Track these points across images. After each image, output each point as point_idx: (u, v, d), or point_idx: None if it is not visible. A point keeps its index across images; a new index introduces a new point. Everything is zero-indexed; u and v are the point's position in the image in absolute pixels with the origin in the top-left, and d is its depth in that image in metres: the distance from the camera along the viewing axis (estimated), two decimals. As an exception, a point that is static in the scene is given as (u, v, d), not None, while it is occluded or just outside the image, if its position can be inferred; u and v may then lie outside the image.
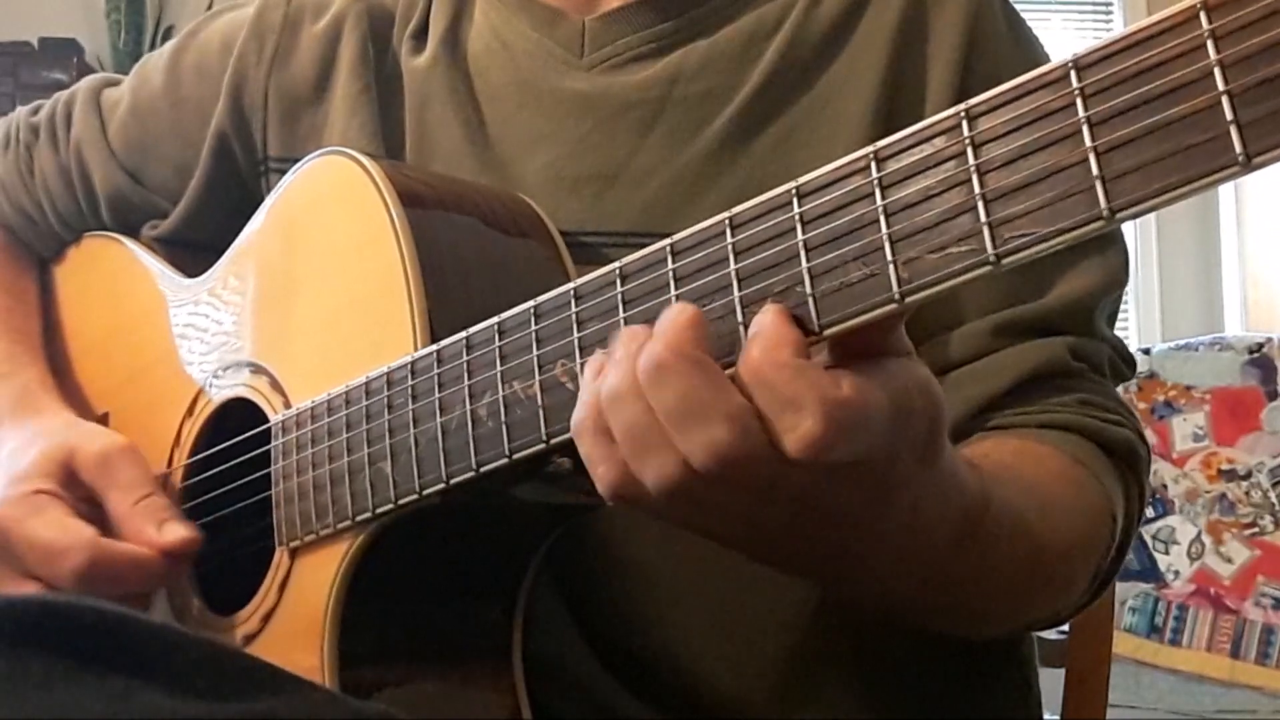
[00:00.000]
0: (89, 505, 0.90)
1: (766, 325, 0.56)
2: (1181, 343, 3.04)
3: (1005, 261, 0.50)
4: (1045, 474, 0.78)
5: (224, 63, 1.05)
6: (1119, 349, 0.90)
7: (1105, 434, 0.83)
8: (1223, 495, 2.95)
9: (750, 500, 0.58)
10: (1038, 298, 0.85)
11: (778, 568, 0.69)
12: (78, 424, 0.99)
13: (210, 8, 1.13)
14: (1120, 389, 0.92)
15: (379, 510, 0.76)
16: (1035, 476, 0.76)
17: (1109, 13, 4.34)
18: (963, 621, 0.78)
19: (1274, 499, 2.93)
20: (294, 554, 0.84)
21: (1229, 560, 2.93)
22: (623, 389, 0.57)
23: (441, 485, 0.72)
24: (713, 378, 0.56)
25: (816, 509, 0.59)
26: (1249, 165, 0.43)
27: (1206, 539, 2.94)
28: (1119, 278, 0.89)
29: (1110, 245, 0.89)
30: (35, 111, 1.16)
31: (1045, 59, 0.94)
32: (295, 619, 0.83)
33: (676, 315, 0.58)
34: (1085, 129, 0.47)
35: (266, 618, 0.85)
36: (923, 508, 0.62)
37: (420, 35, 1.02)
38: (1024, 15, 0.95)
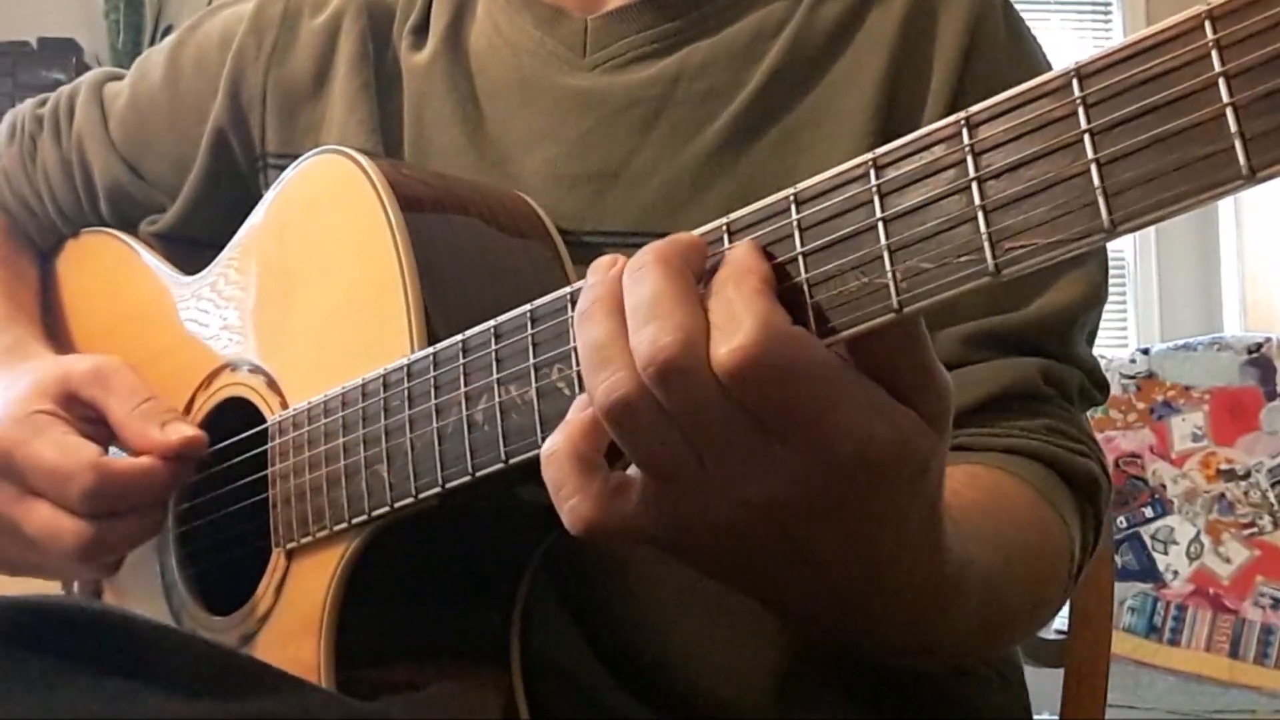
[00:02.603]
0: (90, 425, 0.90)
1: (739, 254, 0.55)
2: (1180, 343, 3.05)
3: (1005, 273, 0.49)
4: (1015, 519, 0.77)
5: (222, 58, 1.04)
6: (1093, 373, 0.90)
7: (1068, 464, 0.83)
8: (1221, 495, 2.95)
9: (678, 438, 0.55)
10: (1018, 308, 0.85)
11: (710, 567, 0.63)
12: (66, 356, 0.99)
13: (209, 4, 1.13)
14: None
15: (375, 513, 0.76)
16: (1005, 522, 0.75)
17: (1108, 14, 4.35)
18: (906, 656, 0.77)
19: (1273, 499, 2.93)
20: (291, 555, 0.84)
21: (1228, 560, 2.94)
22: (594, 309, 0.57)
23: (437, 489, 0.72)
24: (684, 288, 0.54)
25: (744, 493, 0.56)
26: (1253, 179, 0.42)
27: (1205, 539, 2.94)
28: (1099, 293, 0.89)
29: (1092, 258, 0.88)
30: (41, 104, 1.17)
31: (1045, 67, 0.93)
32: (292, 620, 0.83)
33: (678, 234, 0.57)
34: (1087, 139, 0.46)
35: (264, 619, 0.85)
36: (885, 553, 0.59)
37: (421, 31, 1.01)
38: (1023, 15, 0.95)
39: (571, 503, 0.58)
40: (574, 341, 0.63)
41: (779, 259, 0.56)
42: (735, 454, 0.55)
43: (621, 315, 0.55)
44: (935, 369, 0.56)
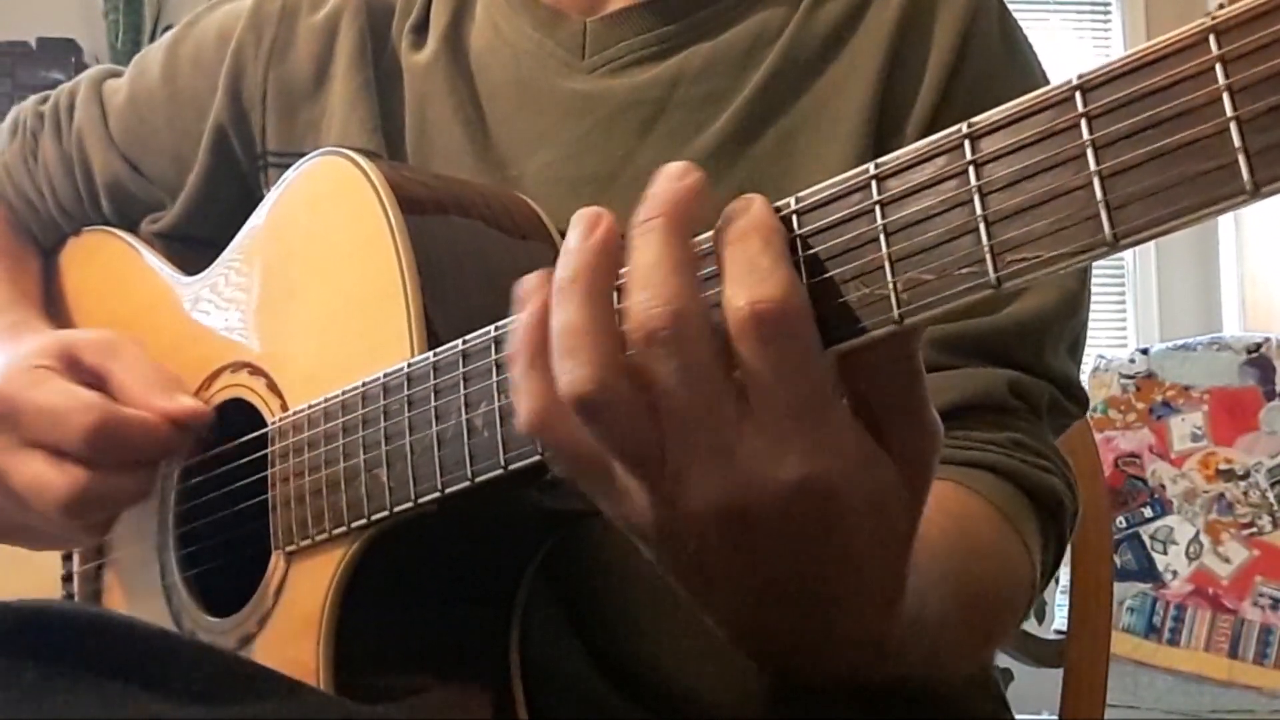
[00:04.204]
0: (92, 388, 0.89)
1: (761, 211, 0.55)
2: (1180, 343, 3.05)
3: (1006, 285, 0.49)
4: (982, 552, 0.76)
5: (221, 55, 1.04)
6: (1068, 386, 0.88)
7: (1031, 480, 0.82)
8: (1221, 495, 2.95)
9: (643, 427, 0.55)
10: (989, 313, 0.84)
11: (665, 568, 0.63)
12: (71, 329, 1.00)
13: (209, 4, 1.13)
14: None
15: (374, 517, 0.76)
16: (972, 558, 0.74)
17: (1107, 14, 4.34)
18: (840, 686, 0.76)
19: (1272, 499, 2.93)
20: (290, 558, 0.84)
21: (1227, 560, 2.94)
22: (571, 288, 0.56)
23: (437, 494, 0.72)
24: (684, 256, 0.54)
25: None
26: (1257, 194, 0.42)
27: (1204, 539, 2.95)
28: (1076, 302, 0.88)
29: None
30: (43, 101, 1.17)
31: (1038, 73, 0.93)
32: (291, 623, 0.83)
33: (682, 182, 0.56)
34: (1090, 152, 0.46)
35: (263, 621, 0.85)
36: (833, 599, 0.60)
37: (420, 29, 1.01)
38: (1022, 16, 0.95)
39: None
40: None
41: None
42: (701, 439, 0.54)
43: (600, 298, 0.55)
44: (925, 407, 0.56)
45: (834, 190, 0.54)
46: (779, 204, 0.56)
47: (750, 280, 0.52)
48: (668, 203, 0.55)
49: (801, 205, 0.55)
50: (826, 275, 0.54)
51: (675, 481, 0.55)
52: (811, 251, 0.55)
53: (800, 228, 0.55)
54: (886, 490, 0.56)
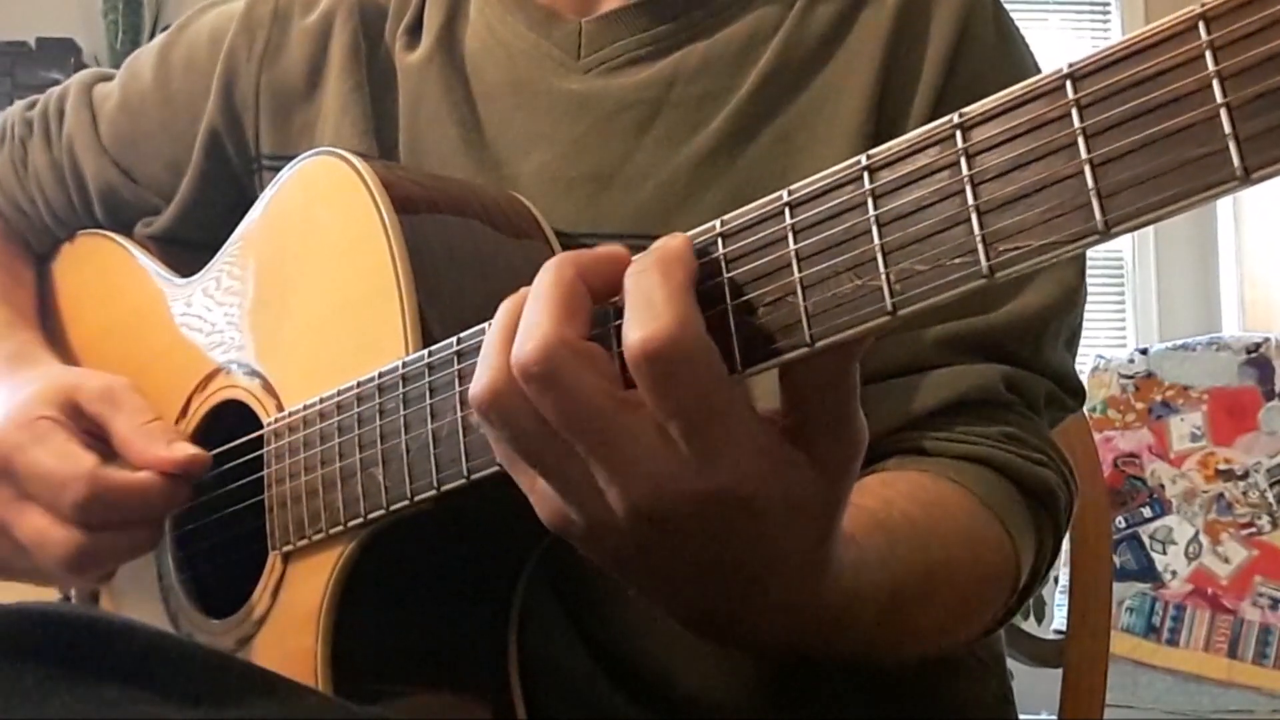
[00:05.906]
0: (92, 438, 0.89)
1: (671, 244, 0.57)
2: (1179, 343, 3.04)
3: (999, 275, 0.49)
4: (948, 536, 0.76)
5: (213, 57, 1.04)
6: (1065, 380, 0.89)
7: (1023, 472, 0.82)
8: (1220, 495, 2.95)
9: (543, 434, 0.58)
10: (987, 311, 0.85)
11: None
12: (76, 369, 0.99)
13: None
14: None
15: (371, 516, 0.76)
16: (936, 540, 0.75)
17: (1106, 13, 4.35)
18: (811, 658, 0.78)
19: (1271, 499, 2.93)
20: (287, 558, 0.84)
21: (1226, 560, 2.94)
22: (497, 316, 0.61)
23: (433, 492, 0.72)
24: (563, 298, 0.57)
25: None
26: (1247, 180, 0.42)
27: (1204, 539, 2.95)
28: (1074, 297, 0.88)
29: (1068, 261, 0.88)
30: (30, 106, 1.16)
31: (1034, 70, 0.93)
32: (289, 623, 0.83)
33: (597, 249, 0.60)
34: (1081, 140, 0.46)
35: (260, 622, 0.85)
36: (754, 579, 0.61)
37: (414, 30, 1.01)
38: (1021, 16, 0.95)
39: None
40: None
41: (707, 260, 0.58)
42: (597, 456, 0.57)
43: (513, 325, 0.59)
44: (854, 417, 0.58)
45: (827, 182, 0.55)
46: (771, 198, 0.57)
47: (644, 316, 0.55)
48: (565, 259, 0.59)
49: (794, 197, 0.55)
50: (820, 267, 0.54)
51: (583, 489, 0.58)
52: (804, 243, 0.55)
53: (792, 218, 0.55)
54: (803, 492, 0.58)
